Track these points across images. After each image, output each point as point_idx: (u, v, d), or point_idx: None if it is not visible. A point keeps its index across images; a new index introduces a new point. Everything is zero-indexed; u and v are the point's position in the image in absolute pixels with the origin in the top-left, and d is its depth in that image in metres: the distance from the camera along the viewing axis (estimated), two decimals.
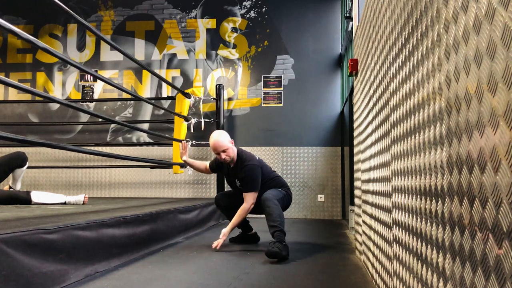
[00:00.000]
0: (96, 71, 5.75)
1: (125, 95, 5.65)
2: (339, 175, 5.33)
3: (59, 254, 1.83)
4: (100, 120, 5.46)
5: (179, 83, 5.72)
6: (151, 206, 3.45)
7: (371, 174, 2.09)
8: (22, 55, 6.08)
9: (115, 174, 5.74)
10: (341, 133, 5.29)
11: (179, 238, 3.38)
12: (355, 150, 2.95)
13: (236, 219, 2.92)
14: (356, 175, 2.93)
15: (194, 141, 5.16)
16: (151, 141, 5.64)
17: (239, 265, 2.41)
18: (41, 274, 1.70)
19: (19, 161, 3.66)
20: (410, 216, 1.22)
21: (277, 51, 5.63)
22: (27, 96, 5.90)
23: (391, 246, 1.55)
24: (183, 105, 5.05)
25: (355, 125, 2.94)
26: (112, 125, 5.80)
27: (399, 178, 1.38)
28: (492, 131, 0.65)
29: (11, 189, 3.75)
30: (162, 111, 5.64)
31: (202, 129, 5.26)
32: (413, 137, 1.19)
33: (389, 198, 1.58)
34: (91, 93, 5.92)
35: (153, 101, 5.31)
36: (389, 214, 1.58)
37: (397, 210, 1.42)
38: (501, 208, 0.62)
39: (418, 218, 1.12)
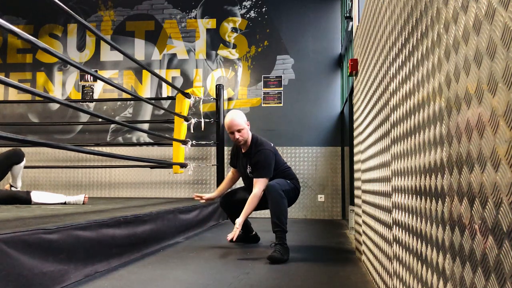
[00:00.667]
0: (96, 71, 5.75)
1: (125, 95, 5.65)
2: (339, 175, 5.33)
3: (59, 254, 1.83)
4: (100, 120, 5.46)
5: (179, 83, 5.72)
6: (151, 206, 3.45)
7: (371, 174, 2.09)
8: (22, 55, 6.09)
9: (115, 174, 5.74)
10: (341, 133, 5.29)
11: (179, 238, 3.38)
12: (355, 150, 2.95)
13: (248, 207, 2.80)
14: (356, 175, 2.93)
15: (194, 141, 5.16)
16: (151, 141, 5.64)
17: (239, 265, 2.41)
18: (41, 274, 1.70)
19: (16, 158, 3.64)
20: (410, 216, 1.22)
21: (277, 51, 5.63)
22: (27, 96, 5.90)
23: (391, 246, 1.55)
24: (183, 105, 5.05)
25: (355, 125, 2.94)
26: (112, 125, 5.80)
27: (399, 178, 1.38)
28: (492, 131, 0.65)
29: (12, 188, 3.74)
30: (162, 111, 5.64)
31: (202, 129, 5.26)
32: (413, 137, 1.19)
33: (389, 198, 1.58)
34: (91, 93, 5.92)
35: (153, 101, 5.31)
36: (389, 214, 1.58)
37: (397, 210, 1.42)
38: (501, 208, 0.62)
39: (418, 218, 1.12)
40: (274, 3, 5.68)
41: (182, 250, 2.87)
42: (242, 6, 5.74)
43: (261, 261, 2.52)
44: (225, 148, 5.46)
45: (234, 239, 2.71)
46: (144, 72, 5.79)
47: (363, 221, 2.44)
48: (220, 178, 5.29)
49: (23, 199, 3.41)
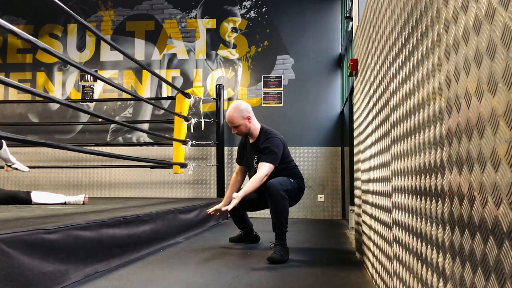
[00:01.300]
0: (96, 71, 5.75)
1: (125, 95, 5.65)
2: (339, 175, 5.33)
3: (59, 254, 1.83)
4: (100, 120, 5.46)
5: (179, 83, 5.72)
6: (151, 206, 3.45)
7: (371, 174, 2.09)
8: (22, 55, 6.09)
9: (115, 174, 5.74)
10: (341, 133, 5.29)
11: (179, 238, 3.38)
12: (355, 150, 2.95)
13: (249, 186, 2.71)
14: (356, 175, 2.93)
15: (194, 141, 5.16)
16: (151, 141, 5.64)
17: (239, 265, 2.41)
18: (41, 274, 1.70)
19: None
20: (410, 216, 1.22)
21: (277, 51, 5.63)
22: (27, 96, 5.90)
23: (391, 246, 1.55)
24: (183, 105, 5.05)
25: (355, 125, 2.94)
26: (112, 125, 5.80)
27: (399, 178, 1.38)
28: (492, 131, 0.65)
29: (11, 166, 3.60)
30: (162, 111, 5.64)
31: (202, 129, 5.26)
32: (413, 137, 1.19)
33: (389, 198, 1.58)
34: (91, 93, 5.92)
35: (153, 101, 5.31)
36: (389, 214, 1.58)
37: (397, 210, 1.42)
38: (501, 208, 0.62)
39: (418, 218, 1.12)
40: (274, 3, 5.68)
41: (182, 250, 2.87)
42: (242, 6, 5.74)
43: (261, 261, 2.52)
44: (225, 148, 5.46)
45: (229, 209, 2.64)
46: (144, 72, 5.79)
47: (363, 221, 2.44)
48: (220, 178, 5.29)
49: (23, 199, 3.42)
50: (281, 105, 5.54)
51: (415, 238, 1.16)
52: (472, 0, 0.73)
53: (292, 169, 2.98)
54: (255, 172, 2.87)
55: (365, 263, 2.34)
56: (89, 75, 5.92)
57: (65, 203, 3.55)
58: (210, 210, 2.97)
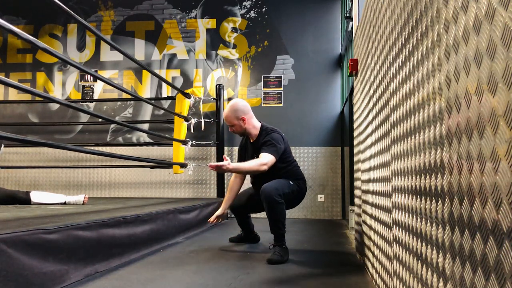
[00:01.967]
0: (96, 71, 5.75)
1: (125, 95, 5.65)
2: (339, 175, 5.33)
3: (59, 254, 1.83)
4: (100, 120, 5.46)
5: (179, 83, 5.72)
6: (151, 206, 3.45)
7: (371, 174, 2.09)
8: (22, 55, 6.09)
9: (115, 174, 5.74)
10: (341, 133, 5.29)
11: (179, 238, 3.38)
12: (355, 150, 2.95)
13: (244, 165, 2.70)
14: (356, 175, 2.93)
15: (194, 141, 5.16)
16: (151, 141, 5.64)
17: (239, 265, 2.41)
18: (41, 274, 1.70)
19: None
20: (410, 216, 1.22)
21: (277, 51, 5.63)
22: (27, 96, 5.90)
23: (391, 246, 1.55)
24: (183, 105, 5.05)
25: (355, 125, 2.94)
26: (112, 125, 5.80)
27: (399, 178, 1.38)
28: (492, 131, 0.65)
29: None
30: (162, 111, 5.64)
31: (202, 129, 5.26)
32: (413, 137, 1.19)
33: (389, 198, 1.58)
34: (91, 93, 5.92)
35: (153, 101, 5.31)
36: (389, 214, 1.58)
37: (397, 210, 1.42)
38: (501, 208, 0.62)
39: (418, 218, 1.12)
40: (274, 3, 5.68)
41: (182, 250, 2.87)
42: (242, 6, 5.74)
43: (261, 261, 2.52)
44: (225, 148, 5.46)
45: (215, 168, 2.51)
46: (144, 72, 5.79)
47: (363, 221, 2.44)
48: (220, 178, 5.29)
49: (22, 199, 3.42)
50: (281, 105, 5.54)
51: (415, 238, 1.16)
52: (472, 0, 0.73)
53: (293, 170, 2.89)
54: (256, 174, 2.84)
55: (365, 263, 2.34)
56: (89, 75, 5.92)
57: (65, 203, 3.55)
58: (212, 219, 3.06)
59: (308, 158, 5.40)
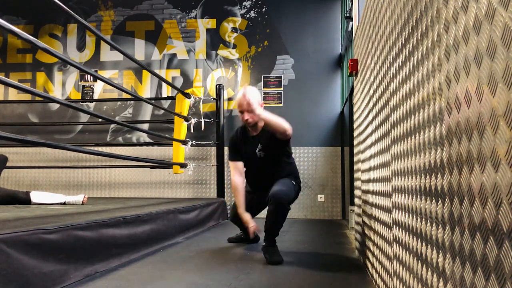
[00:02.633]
0: (96, 71, 5.75)
1: (125, 95, 5.65)
2: (339, 175, 5.33)
3: (59, 254, 1.83)
4: (100, 120, 5.46)
5: (179, 83, 5.72)
6: (151, 206, 3.45)
7: (371, 174, 2.09)
8: (22, 55, 6.09)
9: (115, 174, 5.74)
10: (341, 133, 5.29)
11: (179, 238, 3.38)
12: (355, 150, 2.95)
13: (274, 118, 2.50)
14: (356, 175, 2.93)
15: (194, 141, 5.16)
16: (151, 141, 5.64)
17: (239, 265, 2.41)
18: (41, 274, 1.70)
19: (5, 163, 3.86)
20: (410, 216, 1.22)
21: (277, 51, 5.63)
22: (27, 96, 5.90)
23: (391, 246, 1.55)
24: (183, 105, 5.05)
25: (355, 125, 2.94)
26: (112, 125, 5.80)
27: (399, 178, 1.38)
28: (492, 131, 0.65)
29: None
30: (162, 111, 5.64)
31: (202, 129, 5.26)
32: (413, 137, 1.19)
33: (389, 198, 1.58)
34: (91, 93, 5.92)
35: (153, 101, 5.31)
36: (389, 214, 1.58)
37: (397, 210, 1.42)
38: (501, 208, 0.62)
39: (418, 218, 1.12)
40: (274, 3, 5.68)
41: (182, 250, 2.87)
42: (242, 6, 5.74)
43: (261, 261, 2.52)
44: (225, 148, 5.46)
45: (250, 109, 2.48)
46: (144, 72, 5.79)
47: (363, 221, 2.44)
48: (220, 178, 5.29)
49: (22, 199, 3.42)
50: (281, 105, 5.54)
51: (415, 238, 1.16)
52: (472, 0, 0.73)
53: (295, 167, 2.88)
54: (255, 163, 2.72)
55: (365, 263, 2.34)
56: (89, 75, 5.92)
57: (64, 203, 3.55)
58: (255, 228, 2.72)
59: (308, 158, 5.40)
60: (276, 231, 2.65)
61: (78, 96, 5.93)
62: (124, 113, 5.81)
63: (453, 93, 0.84)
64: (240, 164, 2.83)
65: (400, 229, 1.36)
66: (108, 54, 5.93)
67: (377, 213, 1.89)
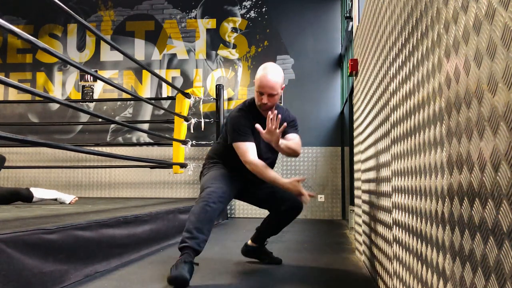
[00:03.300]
0: (96, 71, 5.75)
1: (125, 95, 5.65)
2: (339, 175, 5.32)
3: (59, 254, 1.83)
4: (100, 120, 5.46)
5: (179, 83, 5.72)
6: (151, 206, 3.45)
7: (371, 174, 2.09)
8: (22, 55, 6.08)
9: (115, 174, 5.74)
10: (341, 133, 5.29)
11: (179, 238, 3.37)
12: (355, 150, 2.95)
13: (294, 144, 2.24)
14: (356, 175, 2.93)
15: (194, 141, 5.16)
16: (151, 141, 5.64)
17: (239, 265, 2.41)
18: (41, 274, 1.70)
19: (3, 163, 3.91)
20: (410, 216, 1.22)
21: (277, 51, 5.63)
22: (27, 96, 5.90)
23: (391, 246, 1.55)
24: (183, 105, 5.05)
25: (355, 125, 2.94)
26: (112, 125, 5.80)
27: (399, 178, 1.38)
28: (492, 131, 0.65)
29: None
30: (162, 111, 5.64)
31: (202, 129, 5.26)
32: (413, 137, 1.19)
33: (389, 198, 1.58)
34: (91, 93, 5.92)
35: (153, 101, 5.31)
36: (389, 214, 1.58)
37: (397, 210, 1.42)
38: (501, 208, 0.62)
39: (418, 218, 1.12)
40: (274, 3, 5.68)
41: None
42: (242, 6, 5.74)
43: (260, 262, 2.52)
44: None
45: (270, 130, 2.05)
46: (144, 72, 5.79)
47: (363, 221, 2.44)
48: None
49: (25, 194, 3.49)
50: (281, 105, 5.53)
51: (415, 238, 1.16)
52: (472, 0, 0.73)
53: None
54: (263, 155, 2.28)
55: (365, 263, 2.34)
56: (89, 75, 5.92)
57: (56, 200, 3.60)
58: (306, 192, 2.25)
59: (308, 158, 5.40)
60: (275, 235, 2.58)
61: (78, 96, 5.93)
62: (124, 113, 5.81)
63: (453, 93, 0.84)
64: (254, 145, 2.23)
65: (400, 229, 1.36)
66: (108, 54, 5.93)
67: (377, 213, 1.89)
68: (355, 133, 2.95)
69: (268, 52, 5.64)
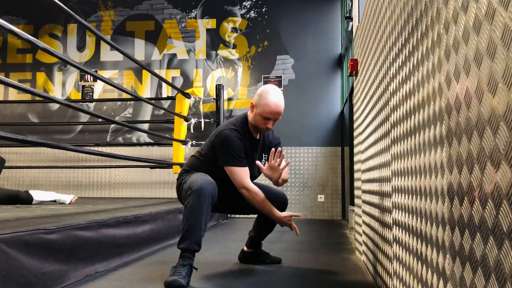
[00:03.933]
0: (96, 71, 5.75)
1: (125, 95, 5.65)
2: (339, 175, 5.32)
3: (59, 254, 1.83)
4: (100, 120, 5.46)
5: (179, 83, 5.72)
6: (151, 206, 3.45)
7: (371, 174, 2.09)
8: (22, 55, 6.08)
9: (115, 174, 5.74)
10: (341, 133, 5.29)
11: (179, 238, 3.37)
12: (355, 150, 2.95)
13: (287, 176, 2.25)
14: (356, 175, 2.93)
15: (194, 141, 5.16)
16: (151, 141, 5.64)
17: (239, 266, 2.41)
18: (41, 274, 1.70)
19: (2, 165, 3.93)
20: (410, 216, 1.22)
21: (277, 51, 5.63)
22: (27, 96, 5.90)
23: (391, 246, 1.55)
24: (183, 105, 5.05)
25: (355, 125, 2.94)
26: (112, 125, 5.80)
27: (399, 178, 1.38)
28: (492, 131, 0.65)
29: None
30: (162, 111, 5.65)
31: (202, 129, 5.26)
32: (413, 137, 1.19)
33: (389, 198, 1.58)
34: (91, 93, 5.92)
35: (153, 101, 5.31)
36: (389, 214, 1.58)
37: (397, 210, 1.42)
38: (501, 208, 0.62)
39: (418, 218, 1.12)
40: (274, 3, 5.68)
41: None
42: (242, 6, 5.74)
43: (260, 262, 2.52)
44: None
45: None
46: (144, 72, 5.79)
47: (363, 221, 2.44)
48: None
49: (24, 197, 3.47)
50: None
51: (415, 238, 1.16)
52: (472, 0, 0.73)
53: None
54: (254, 177, 2.28)
55: (365, 263, 2.34)
56: (89, 75, 5.92)
57: (55, 201, 3.60)
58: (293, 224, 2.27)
59: (308, 158, 5.40)
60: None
61: (78, 96, 5.93)
62: (124, 113, 5.81)
63: (453, 93, 0.84)
64: (249, 171, 2.19)
65: (400, 229, 1.36)
66: (108, 54, 5.93)
67: (377, 213, 1.89)
68: (355, 133, 2.95)
69: (268, 52, 5.64)
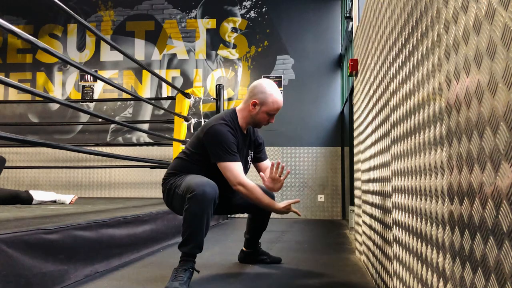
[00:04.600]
0: (96, 71, 5.75)
1: (125, 95, 5.65)
2: (339, 175, 5.32)
3: (59, 254, 1.83)
4: (100, 120, 5.46)
5: (179, 83, 5.72)
6: (151, 206, 3.45)
7: (371, 174, 2.09)
8: (22, 55, 6.08)
9: (115, 174, 5.74)
10: (341, 133, 5.29)
11: (179, 238, 3.37)
12: (355, 150, 2.95)
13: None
14: (356, 175, 2.93)
15: None
16: (151, 141, 5.64)
17: (239, 265, 2.41)
18: (41, 274, 1.70)
19: (3, 164, 3.95)
20: (410, 216, 1.22)
21: (277, 51, 5.63)
22: (27, 96, 5.90)
23: (391, 246, 1.55)
24: (183, 105, 5.05)
25: (355, 125, 2.94)
26: (112, 125, 5.80)
27: (399, 178, 1.38)
28: (492, 131, 0.65)
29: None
30: (162, 111, 5.65)
31: None
32: (413, 137, 1.19)
33: (389, 198, 1.58)
34: (91, 93, 5.92)
35: (153, 101, 5.31)
36: (389, 214, 1.58)
37: (397, 210, 1.42)
38: (501, 208, 0.62)
39: (418, 218, 1.12)
40: (274, 3, 5.68)
41: None
42: (242, 6, 5.74)
43: (260, 261, 2.52)
44: None
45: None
46: (144, 72, 5.79)
47: (363, 221, 2.44)
48: None
49: (24, 198, 3.47)
50: None
51: (415, 238, 1.16)
52: (472, 0, 0.73)
53: None
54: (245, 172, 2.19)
55: (365, 263, 2.34)
56: (89, 75, 5.92)
57: (55, 202, 3.60)
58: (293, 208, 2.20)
59: (308, 158, 5.40)
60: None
61: (78, 96, 5.93)
62: (124, 113, 5.81)
63: (453, 93, 0.84)
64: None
65: (400, 229, 1.36)
66: (108, 54, 5.93)
67: (377, 213, 1.89)
68: (355, 133, 2.95)
69: (268, 52, 5.64)
